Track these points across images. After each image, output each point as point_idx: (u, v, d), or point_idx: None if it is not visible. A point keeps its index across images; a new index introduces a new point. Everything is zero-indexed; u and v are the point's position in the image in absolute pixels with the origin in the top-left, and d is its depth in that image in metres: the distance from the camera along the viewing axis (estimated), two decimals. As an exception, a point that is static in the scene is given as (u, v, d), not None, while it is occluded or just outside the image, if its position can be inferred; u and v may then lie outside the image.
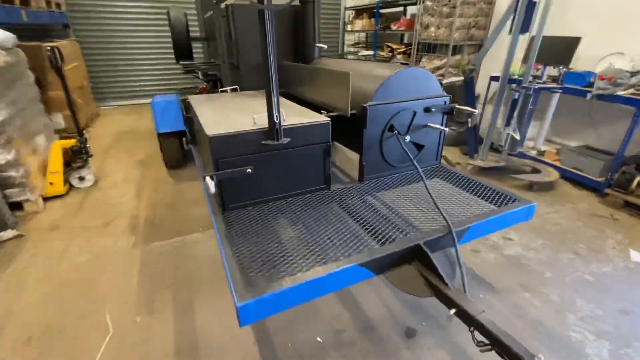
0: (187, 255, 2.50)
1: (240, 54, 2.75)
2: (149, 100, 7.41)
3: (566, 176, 3.68)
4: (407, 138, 2.10)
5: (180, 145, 3.80)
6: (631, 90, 3.08)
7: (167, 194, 3.40)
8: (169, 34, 3.82)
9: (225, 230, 1.57)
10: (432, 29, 4.85)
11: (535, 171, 3.77)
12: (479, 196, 1.91)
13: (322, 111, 1.96)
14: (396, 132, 2.04)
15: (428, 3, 4.89)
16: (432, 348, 1.80)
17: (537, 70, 3.95)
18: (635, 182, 3.09)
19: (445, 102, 2.14)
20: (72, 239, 2.69)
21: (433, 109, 2.08)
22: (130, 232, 2.79)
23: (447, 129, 2.14)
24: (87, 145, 3.49)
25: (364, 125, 1.91)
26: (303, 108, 2.09)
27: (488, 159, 3.93)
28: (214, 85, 3.27)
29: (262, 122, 1.66)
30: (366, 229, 1.59)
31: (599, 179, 3.40)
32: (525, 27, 3.15)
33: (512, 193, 1.89)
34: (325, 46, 3.03)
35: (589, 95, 3.27)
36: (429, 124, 2.12)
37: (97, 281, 2.25)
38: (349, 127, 2.02)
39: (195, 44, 4.64)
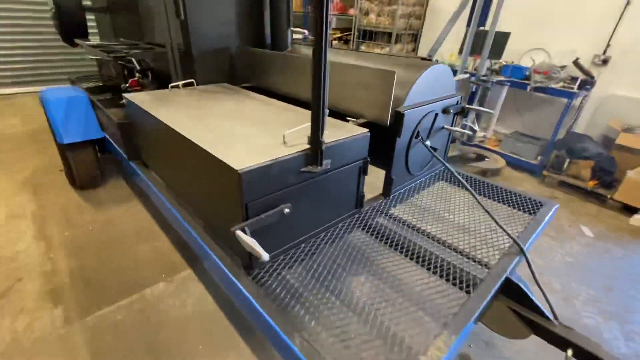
0: (158, 321, 1.81)
1: (193, 36, 2.08)
2: (15, 90, 5.52)
3: (507, 161, 4.07)
4: (428, 143, 1.87)
5: (96, 157, 2.84)
6: (561, 84, 3.49)
7: (90, 229, 2.49)
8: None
9: (267, 304, 1.09)
10: (373, 15, 4.71)
11: (481, 158, 4.07)
12: (505, 203, 1.84)
13: (349, 119, 1.57)
14: (420, 137, 1.79)
15: (366, -12, 4.71)
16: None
17: (475, 62, 4.19)
18: (565, 164, 3.57)
19: (457, 102, 1.98)
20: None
21: (451, 110, 1.90)
22: (50, 302, 1.89)
23: (465, 130, 1.99)
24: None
25: (398, 134, 1.60)
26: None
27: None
28: (143, 76, 2.45)
29: (291, 140, 1.21)
30: (434, 272, 1.32)
31: (534, 162, 3.85)
32: (482, 21, 3.23)
33: (530, 194, 1.87)
34: (306, 31, 2.55)
35: (529, 87, 3.60)
36: (445, 126, 1.94)
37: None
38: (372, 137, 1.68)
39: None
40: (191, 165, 1.37)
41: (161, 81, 2.29)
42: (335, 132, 1.37)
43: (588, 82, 3.46)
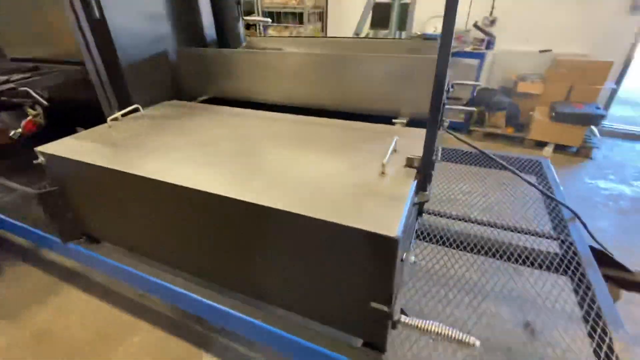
0: None
1: (118, 43, 1.45)
2: None
3: (436, 124, 4.40)
4: (440, 128, 1.77)
5: None
6: (471, 46, 3.86)
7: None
8: None
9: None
10: (278, -4, 4.33)
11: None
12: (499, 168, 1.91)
13: (394, 121, 1.32)
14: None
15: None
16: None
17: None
18: (486, 117, 4.05)
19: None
20: None
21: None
22: None
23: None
24: None
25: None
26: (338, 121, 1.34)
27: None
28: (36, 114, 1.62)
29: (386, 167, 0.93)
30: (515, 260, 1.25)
31: (461, 120, 4.26)
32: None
33: (520, 155, 1.98)
34: (269, 19, 2.05)
35: (447, 53, 3.87)
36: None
37: None
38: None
39: None
40: (256, 240, 0.92)
41: (66, 114, 1.56)
42: (416, 142, 1.11)
43: (491, 42, 3.92)
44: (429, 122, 0.85)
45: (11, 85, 1.20)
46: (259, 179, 0.92)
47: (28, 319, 1.80)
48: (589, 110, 3.55)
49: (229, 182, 0.92)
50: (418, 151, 1.04)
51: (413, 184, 0.88)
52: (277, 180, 0.92)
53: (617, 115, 4.77)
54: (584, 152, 3.74)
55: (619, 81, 4.07)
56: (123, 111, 1.41)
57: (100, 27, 1.37)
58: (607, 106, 4.19)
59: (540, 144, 3.86)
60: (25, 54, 1.70)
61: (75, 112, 1.58)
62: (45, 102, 1.26)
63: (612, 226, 2.63)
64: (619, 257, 1.30)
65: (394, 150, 1.01)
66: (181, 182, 0.92)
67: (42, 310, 1.85)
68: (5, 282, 2.03)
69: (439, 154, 0.98)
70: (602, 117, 3.61)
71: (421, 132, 1.19)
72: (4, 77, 1.35)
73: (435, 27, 4.47)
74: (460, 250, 1.40)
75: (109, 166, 1.04)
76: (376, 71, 1.35)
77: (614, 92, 4.15)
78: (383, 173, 0.92)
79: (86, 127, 1.56)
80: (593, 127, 3.87)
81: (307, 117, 1.37)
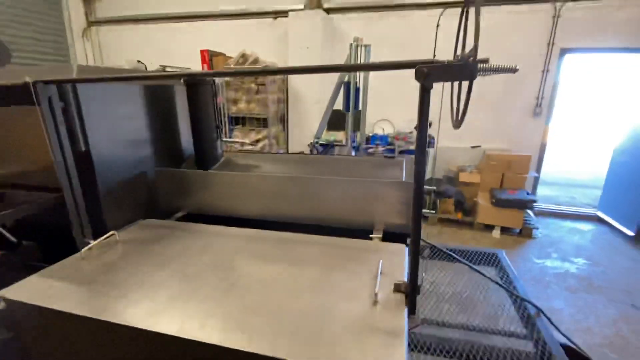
0: None
1: (99, 171, 1.48)
2: None
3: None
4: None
5: None
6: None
7: None
8: None
9: None
10: (243, 104, 4.77)
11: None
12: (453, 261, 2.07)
13: (371, 236, 1.43)
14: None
15: (228, 79, 4.77)
16: None
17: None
18: (439, 205, 4.46)
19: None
20: None
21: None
22: None
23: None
24: None
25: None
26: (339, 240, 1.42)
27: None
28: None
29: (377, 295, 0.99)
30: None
31: (416, 208, 4.61)
32: (356, 105, 3.78)
33: (480, 248, 2.18)
34: (247, 140, 2.22)
35: (396, 151, 4.39)
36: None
37: None
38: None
39: None
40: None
41: (33, 240, 1.46)
42: (397, 260, 1.21)
43: (431, 141, 4.55)
44: (412, 251, 0.95)
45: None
46: (256, 320, 0.92)
47: None
48: (522, 197, 4.10)
49: (225, 327, 0.90)
50: (400, 272, 1.13)
51: (405, 311, 0.94)
52: (276, 320, 0.92)
53: (543, 195, 5.51)
54: (525, 232, 4.17)
55: (538, 169, 4.83)
56: (98, 240, 1.37)
57: (83, 158, 1.41)
58: (534, 190, 4.87)
59: (489, 227, 4.25)
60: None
61: (43, 239, 1.49)
62: (14, 241, 1.19)
63: (567, 306, 2.82)
64: (579, 338, 1.39)
65: (381, 273, 1.09)
66: (171, 332, 0.88)
67: None
68: None
69: (423, 278, 1.07)
70: (534, 201, 4.16)
71: (399, 248, 1.31)
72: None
73: (382, 128, 5.14)
74: (438, 356, 1.41)
75: (82, 313, 0.97)
76: (351, 191, 1.51)
77: (537, 179, 4.88)
78: (376, 302, 0.98)
79: (53, 253, 1.46)
80: (528, 210, 4.41)
81: (290, 235, 1.44)
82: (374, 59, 3.81)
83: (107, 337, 0.98)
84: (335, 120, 4.44)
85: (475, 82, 0.86)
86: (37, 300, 1.04)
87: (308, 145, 4.08)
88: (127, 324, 0.92)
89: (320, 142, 4.02)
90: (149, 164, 1.77)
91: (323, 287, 1.07)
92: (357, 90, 3.72)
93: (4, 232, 1.17)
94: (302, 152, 4.32)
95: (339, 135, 4.96)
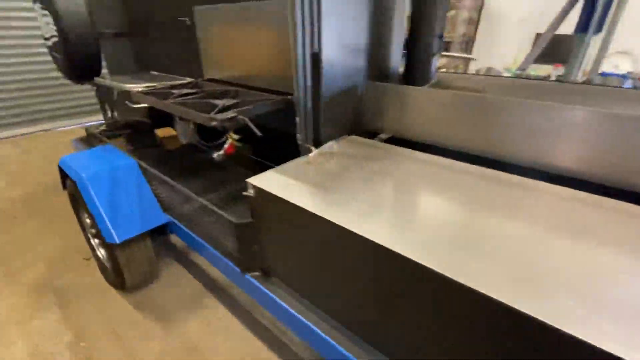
0: None
1: (326, 79, 1.37)
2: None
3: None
4: None
5: (152, 248, 2.02)
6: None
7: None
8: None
9: None
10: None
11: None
12: None
13: None
14: None
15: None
16: None
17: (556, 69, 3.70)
18: None
19: None
20: None
21: None
22: None
23: None
24: None
25: None
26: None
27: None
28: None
29: None
30: None
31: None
32: (599, 26, 2.70)
33: None
34: (474, 57, 1.88)
35: None
36: None
37: None
38: None
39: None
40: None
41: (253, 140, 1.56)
42: None
43: None
44: None
45: (232, 115, 1.21)
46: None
47: (179, 328, 1.86)
48: None
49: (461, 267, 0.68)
50: None
51: None
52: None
53: None
54: None
55: None
56: (320, 148, 1.33)
57: (314, 60, 1.33)
58: None
59: None
60: (227, 77, 1.82)
61: (269, 141, 1.58)
62: (259, 134, 1.24)
63: None
64: None
65: None
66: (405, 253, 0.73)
67: (191, 320, 1.91)
68: (162, 285, 2.18)
69: None
70: None
71: None
72: (219, 102, 1.40)
73: (615, 64, 3.69)
74: None
75: (320, 214, 0.93)
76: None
77: None
78: None
79: (273, 157, 1.55)
80: None
81: (562, 188, 1.06)
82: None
83: (338, 242, 0.93)
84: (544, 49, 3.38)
85: None
86: (278, 192, 1.06)
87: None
88: (366, 236, 0.83)
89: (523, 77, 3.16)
90: (360, 77, 1.61)
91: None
92: (607, 2, 2.60)
93: (252, 125, 1.21)
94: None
95: (542, 71, 3.87)
